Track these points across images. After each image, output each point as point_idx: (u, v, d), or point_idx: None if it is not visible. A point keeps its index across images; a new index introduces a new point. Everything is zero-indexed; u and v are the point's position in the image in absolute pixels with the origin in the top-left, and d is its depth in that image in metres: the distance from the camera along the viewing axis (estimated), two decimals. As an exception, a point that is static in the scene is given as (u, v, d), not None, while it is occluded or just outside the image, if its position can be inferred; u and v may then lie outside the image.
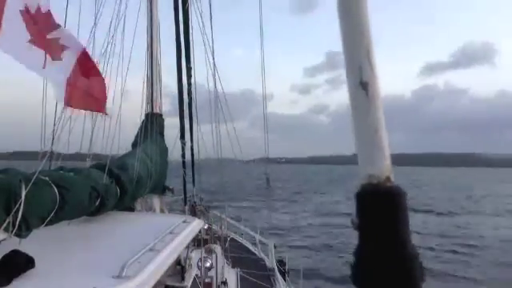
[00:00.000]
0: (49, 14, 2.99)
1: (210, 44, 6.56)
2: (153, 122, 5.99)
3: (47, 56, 2.89)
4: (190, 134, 6.77)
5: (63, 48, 3.13)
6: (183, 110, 6.77)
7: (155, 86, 6.34)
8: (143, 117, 6.29)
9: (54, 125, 3.20)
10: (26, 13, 2.73)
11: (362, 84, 0.62)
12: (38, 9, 2.86)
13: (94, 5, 5.06)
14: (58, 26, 3.08)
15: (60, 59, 3.09)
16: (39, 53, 2.83)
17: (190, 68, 6.66)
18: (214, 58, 6.55)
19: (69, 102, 3.22)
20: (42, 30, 2.91)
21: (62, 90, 3.12)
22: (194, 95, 6.73)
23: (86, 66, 3.35)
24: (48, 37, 2.99)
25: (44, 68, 2.87)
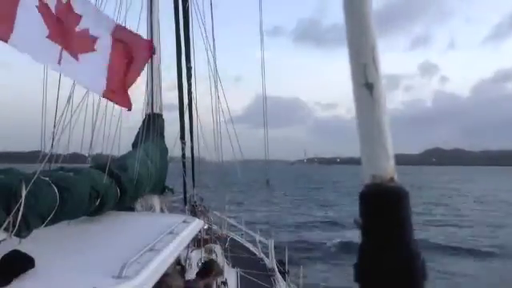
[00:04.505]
0: (68, 4, 2.83)
1: (211, 43, 6.57)
2: (153, 123, 5.97)
3: (63, 51, 2.76)
4: (190, 134, 6.77)
5: (94, 39, 2.98)
6: (183, 110, 6.77)
7: (155, 86, 6.32)
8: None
9: (54, 126, 3.18)
10: (42, 7, 2.60)
11: (366, 85, 0.62)
12: (59, 1, 2.71)
13: (94, 5, 5.04)
14: (80, 16, 2.91)
15: (94, 50, 2.97)
16: (55, 48, 2.72)
17: (190, 68, 6.65)
18: (215, 59, 6.56)
19: (107, 92, 3.07)
20: (68, 22, 2.78)
21: (98, 81, 2.98)
22: (194, 95, 6.75)
23: (122, 47, 3.20)
24: (77, 29, 2.86)
25: (59, 64, 2.76)
